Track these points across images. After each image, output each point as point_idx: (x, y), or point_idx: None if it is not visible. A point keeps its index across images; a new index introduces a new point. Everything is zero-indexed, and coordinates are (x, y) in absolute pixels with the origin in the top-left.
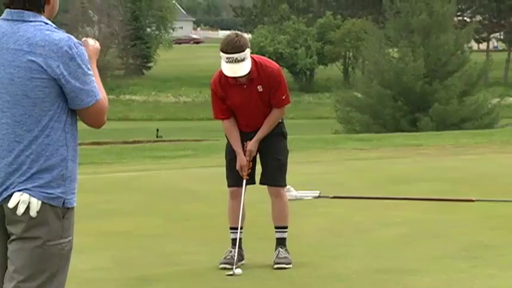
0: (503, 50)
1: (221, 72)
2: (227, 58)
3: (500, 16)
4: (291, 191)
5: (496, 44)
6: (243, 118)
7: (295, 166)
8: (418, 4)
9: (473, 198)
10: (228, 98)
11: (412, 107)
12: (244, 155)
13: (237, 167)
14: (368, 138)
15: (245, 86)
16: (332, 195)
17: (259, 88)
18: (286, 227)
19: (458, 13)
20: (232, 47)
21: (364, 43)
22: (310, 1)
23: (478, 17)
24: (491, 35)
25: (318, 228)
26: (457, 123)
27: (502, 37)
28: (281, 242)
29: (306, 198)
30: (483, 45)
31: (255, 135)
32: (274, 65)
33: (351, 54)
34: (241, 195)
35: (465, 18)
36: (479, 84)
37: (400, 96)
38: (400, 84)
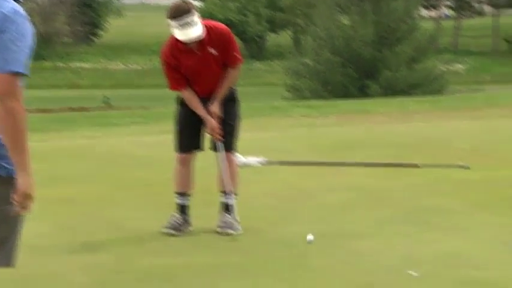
0: (452, 18)
1: (171, 42)
2: (178, 23)
3: None
4: (238, 158)
5: (447, 12)
6: (198, 84)
7: (243, 133)
8: None
9: (419, 164)
10: (182, 66)
11: (361, 73)
12: None
13: (208, 131)
14: (316, 105)
15: (198, 51)
16: (279, 161)
17: (212, 51)
18: (234, 193)
19: None
20: (181, 11)
21: (314, 10)
22: None
23: None
24: (440, 1)
25: (264, 194)
26: (405, 90)
27: (451, 4)
28: (228, 208)
29: (253, 164)
30: (433, 14)
31: (211, 101)
32: (222, 25)
33: (301, 21)
34: (190, 162)
35: None
36: (428, 51)
37: (349, 63)
38: (350, 51)
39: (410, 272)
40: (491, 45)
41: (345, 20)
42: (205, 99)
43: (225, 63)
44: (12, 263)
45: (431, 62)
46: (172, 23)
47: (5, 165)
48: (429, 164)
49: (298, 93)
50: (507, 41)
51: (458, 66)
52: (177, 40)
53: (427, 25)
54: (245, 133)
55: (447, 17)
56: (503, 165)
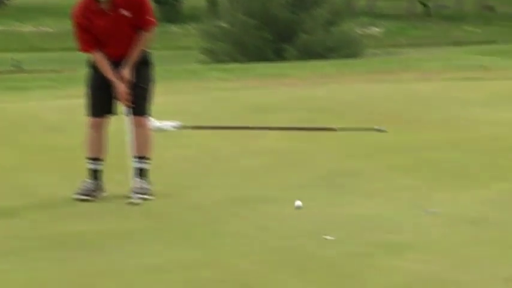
0: None
1: (83, 2)
2: None
3: None
4: (152, 122)
5: None
6: (110, 46)
7: (157, 96)
8: None
9: (336, 127)
10: (93, 27)
11: (277, 36)
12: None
13: (118, 97)
14: (232, 68)
15: (110, 12)
16: (194, 126)
17: (125, 12)
18: (147, 158)
19: None
20: None
21: None
22: None
23: None
24: None
25: (178, 159)
26: (322, 53)
27: None
28: (141, 173)
29: (167, 129)
30: None
31: (122, 64)
32: None
33: None
34: (102, 126)
35: None
36: (345, 14)
37: (265, 26)
38: (266, 14)
39: (326, 236)
40: (407, 8)
41: None
42: (117, 62)
43: (138, 26)
44: None
45: (348, 25)
46: None
47: None
48: (346, 127)
49: (213, 57)
50: (422, 3)
51: (375, 30)
52: (89, 0)
53: None
54: (159, 97)
55: None
56: (418, 128)
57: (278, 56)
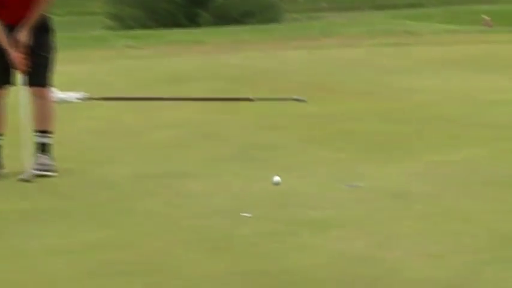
0: None
1: None
2: None
3: None
4: (55, 93)
5: None
6: (5, 8)
7: (59, 65)
8: None
9: (252, 97)
10: None
11: (190, 0)
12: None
13: (13, 64)
14: (141, 35)
15: None
16: (101, 97)
17: None
18: (49, 132)
19: None
20: None
21: None
22: None
23: None
24: None
25: (84, 132)
26: (238, 18)
27: None
28: (43, 148)
29: (72, 100)
30: None
31: (19, 29)
32: None
33: None
34: (1, 99)
35: None
36: None
37: None
38: None
39: (243, 214)
40: None
41: None
42: (13, 27)
43: None
44: None
45: None
46: None
47: None
48: (263, 97)
49: (121, 23)
50: None
51: None
52: None
53: None
54: (62, 66)
55: None
56: (340, 98)
57: (191, 21)
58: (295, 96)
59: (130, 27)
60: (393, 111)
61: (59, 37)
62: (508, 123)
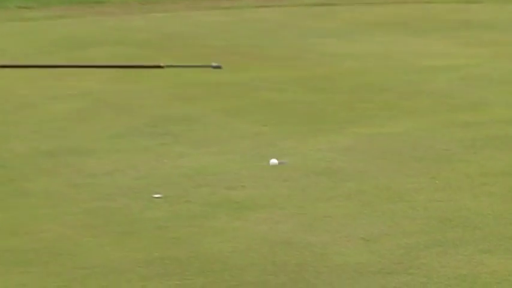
0: None
1: None
2: None
3: None
4: None
5: None
6: None
7: None
8: None
9: (162, 64)
10: None
11: None
12: None
13: None
14: None
15: None
16: None
17: None
18: None
19: None
20: None
21: None
22: None
23: None
24: None
25: None
26: None
27: None
28: None
29: None
30: None
31: None
32: None
33: None
34: None
35: None
36: None
37: None
38: None
39: (154, 195)
40: None
41: None
42: None
43: None
44: None
45: None
46: None
47: None
48: (174, 64)
49: None
50: None
51: None
52: None
53: None
54: None
55: None
56: (259, 64)
57: None
58: (210, 63)
59: None
60: (319, 79)
61: None
62: (446, 92)
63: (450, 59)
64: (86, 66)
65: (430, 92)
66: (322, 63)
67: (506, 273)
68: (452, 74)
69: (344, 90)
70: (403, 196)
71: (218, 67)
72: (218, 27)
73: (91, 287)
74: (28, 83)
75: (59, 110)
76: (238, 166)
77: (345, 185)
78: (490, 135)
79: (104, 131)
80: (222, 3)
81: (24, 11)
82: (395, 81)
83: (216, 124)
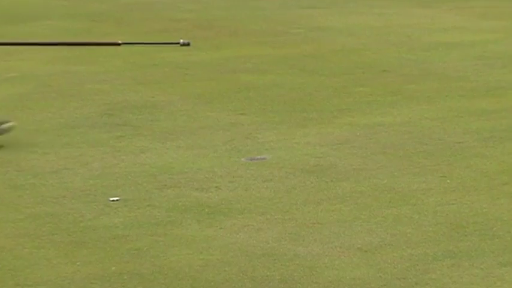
0: None
1: None
2: None
3: None
4: None
5: None
6: None
7: None
8: None
9: (120, 41)
10: None
11: None
12: None
13: None
14: None
15: None
16: None
17: None
18: None
19: None
20: None
21: None
22: None
23: None
24: None
25: None
26: None
27: None
28: None
29: None
30: None
31: None
32: None
33: None
34: None
35: None
36: None
37: None
38: None
39: (110, 198)
40: None
41: None
42: None
43: None
44: None
45: None
46: None
47: None
48: (136, 41)
49: None
50: None
51: None
52: None
53: None
54: None
55: None
56: (235, 41)
57: None
58: (181, 41)
59: None
60: (307, 58)
61: None
62: (459, 74)
63: (463, 33)
64: (28, 44)
65: (440, 74)
66: (310, 39)
67: None
68: (466, 52)
69: (337, 71)
70: (408, 199)
71: (186, 44)
72: None
73: None
74: None
75: None
76: (210, 163)
77: (326, 184)
78: (510, 126)
79: (50, 121)
80: None
81: None
82: (398, 61)
83: (184, 113)
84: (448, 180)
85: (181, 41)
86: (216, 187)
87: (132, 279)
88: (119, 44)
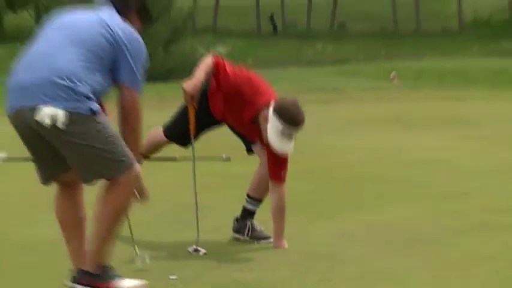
0: None
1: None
2: (291, 131)
3: None
4: None
5: None
6: (224, 116)
7: None
8: None
9: (177, 156)
10: (227, 101)
11: None
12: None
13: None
14: None
15: (251, 125)
16: (23, 157)
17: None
18: None
19: None
20: (302, 121)
21: None
22: None
23: None
24: None
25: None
26: (163, 76)
27: None
28: None
29: None
30: None
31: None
32: None
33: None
34: None
35: None
36: (186, 32)
37: None
38: None
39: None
40: (255, 26)
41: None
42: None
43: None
44: None
45: (190, 44)
46: (288, 127)
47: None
48: (186, 156)
49: None
50: (271, 20)
51: (220, 49)
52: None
53: (184, 3)
54: None
55: None
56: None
57: None
58: (224, 156)
59: None
60: (319, 170)
61: None
62: (435, 183)
63: (438, 152)
64: None
65: (420, 183)
66: (323, 156)
67: None
68: (441, 166)
69: (341, 180)
70: (397, 277)
71: (227, 159)
72: None
73: None
74: None
75: None
76: (244, 247)
77: (344, 269)
78: (475, 223)
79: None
80: None
81: None
82: (388, 173)
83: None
84: (427, 263)
85: (224, 156)
86: (249, 268)
87: None
88: (175, 159)
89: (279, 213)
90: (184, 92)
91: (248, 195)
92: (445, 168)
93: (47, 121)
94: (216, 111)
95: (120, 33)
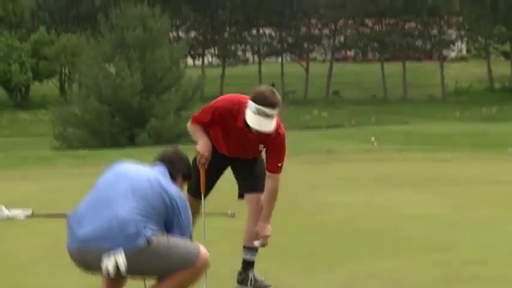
0: (217, 66)
1: (234, 106)
2: (265, 112)
3: (213, 32)
4: (2, 211)
5: (211, 59)
6: (229, 147)
7: (7, 183)
8: (132, 19)
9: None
10: (223, 130)
11: (129, 122)
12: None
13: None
14: (82, 155)
15: (248, 133)
16: (46, 213)
17: (260, 147)
18: None
19: (173, 28)
20: (277, 103)
21: (79, 58)
22: (22, 16)
23: (193, 33)
24: (206, 50)
25: (29, 247)
26: (173, 139)
27: (216, 52)
28: None
29: (18, 217)
30: (200, 62)
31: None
32: (282, 129)
33: (66, 70)
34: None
35: (180, 34)
36: (195, 99)
37: (117, 112)
38: (118, 100)
39: None
40: None
41: (112, 68)
42: (226, 156)
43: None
44: None
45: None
46: (259, 107)
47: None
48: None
49: (67, 143)
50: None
51: None
52: (241, 119)
53: (194, 73)
54: (10, 183)
55: (212, 64)
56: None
57: (131, 141)
58: (229, 212)
59: (75, 147)
60: (315, 225)
61: (7, 156)
62: (421, 236)
63: (424, 208)
64: None
65: (408, 236)
66: (318, 212)
67: None
68: (426, 221)
69: (335, 234)
70: None
71: (231, 215)
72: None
73: None
74: None
75: None
76: None
77: None
78: (458, 273)
79: None
80: None
81: (75, 169)
82: (378, 227)
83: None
84: None
85: (230, 212)
86: None
87: None
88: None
89: (271, 199)
90: (200, 154)
91: (244, 247)
92: (429, 222)
93: (111, 271)
94: (222, 149)
95: (174, 195)
